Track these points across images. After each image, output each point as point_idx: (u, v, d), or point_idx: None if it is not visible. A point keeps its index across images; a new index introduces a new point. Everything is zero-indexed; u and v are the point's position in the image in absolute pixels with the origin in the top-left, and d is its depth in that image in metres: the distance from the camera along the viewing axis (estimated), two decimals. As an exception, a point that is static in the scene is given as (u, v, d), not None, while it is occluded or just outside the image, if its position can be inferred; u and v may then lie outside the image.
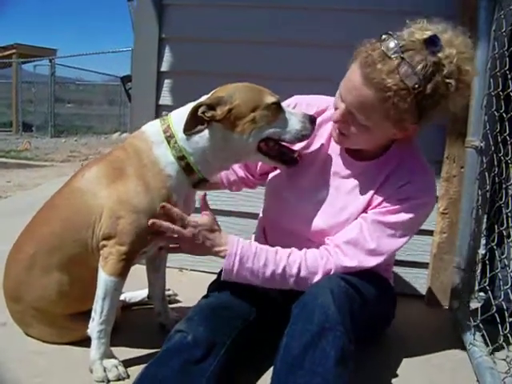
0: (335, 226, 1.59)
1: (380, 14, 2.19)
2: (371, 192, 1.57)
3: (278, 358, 1.32)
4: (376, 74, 1.36)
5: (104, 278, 1.51)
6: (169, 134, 1.54)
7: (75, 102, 18.69)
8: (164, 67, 2.44)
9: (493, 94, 2.03)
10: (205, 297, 1.62)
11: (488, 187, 2.05)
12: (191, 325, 1.44)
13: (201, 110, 1.48)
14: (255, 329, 1.57)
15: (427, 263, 2.36)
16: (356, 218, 1.57)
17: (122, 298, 1.95)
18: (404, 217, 1.52)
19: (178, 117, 1.55)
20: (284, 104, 1.58)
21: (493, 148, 2.01)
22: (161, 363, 1.35)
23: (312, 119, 1.55)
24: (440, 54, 1.35)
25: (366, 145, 1.57)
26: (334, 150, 1.65)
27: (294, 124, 1.53)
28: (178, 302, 2.15)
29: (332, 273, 1.51)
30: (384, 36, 1.39)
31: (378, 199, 1.56)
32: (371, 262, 1.52)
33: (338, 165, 1.64)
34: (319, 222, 1.61)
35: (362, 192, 1.59)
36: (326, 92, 1.71)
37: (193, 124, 1.49)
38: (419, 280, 2.39)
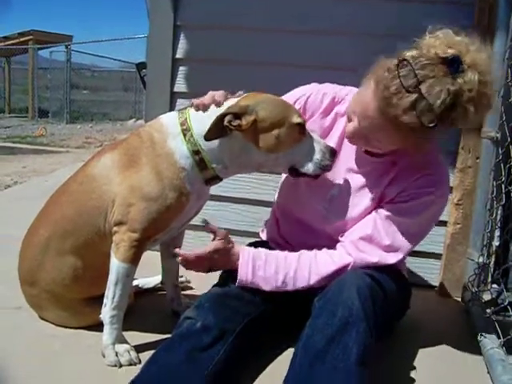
0: (348, 220, 1.58)
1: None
2: (384, 186, 1.56)
3: (299, 349, 1.32)
4: (392, 109, 1.30)
5: (116, 264, 1.53)
6: (185, 127, 1.53)
7: (91, 89, 18.85)
8: (179, 54, 2.41)
9: (510, 84, 2.00)
10: (216, 285, 1.62)
11: (503, 178, 2.03)
12: (201, 312, 1.44)
13: (227, 119, 1.44)
14: (267, 318, 1.57)
15: (440, 254, 2.34)
16: (369, 213, 1.56)
17: (135, 283, 1.96)
18: (419, 211, 1.50)
19: (197, 114, 1.55)
20: (309, 129, 1.53)
21: (509, 139, 1.99)
22: (168, 349, 1.36)
23: (332, 152, 1.52)
24: (460, 80, 1.26)
25: (381, 150, 1.53)
26: (349, 144, 1.61)
27: (317, 153, 1.50)
28: (190, 288, 2.15)
29: (349, 268, 1.50)
30: (403, 61, 1.29)
31: (391, 193, 1.54)
32: (391, 258, 1.52)
33: (352, 160, 1.63)
34: (331, 216, 1.61)
35: (376, 187, 1.57)
36: (348, 82, 1.68)
37: (217, 132, 1.46)
38: (432, 271, 2.37)
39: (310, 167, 1.50)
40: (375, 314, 1.36)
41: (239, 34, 2.36)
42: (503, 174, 2.03)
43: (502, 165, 2.04)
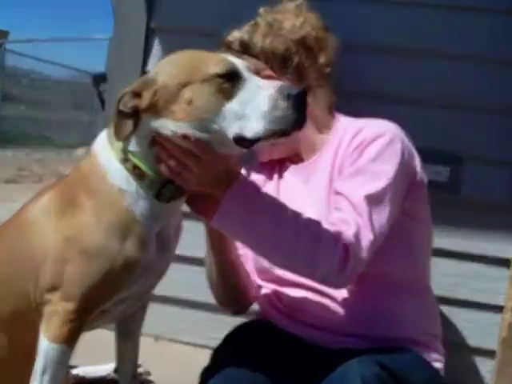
0: None
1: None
2: (329, 173, 1.84)
3: None
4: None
5: (45, 346, 1.49)
6: (114, 137, 1.51)
7: (29, 103, 17.61)
8: (152, 64, 2.47)
9: None
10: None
11: None
12: None
13: (122, 101, 1.44)
14: None
15: (493, 351, 2.34)
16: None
17: (74, 372, 1.94)
18: (371, 158, 1.71)
19: None
20: (247, 72, 1.46)
21: None
22: None
23: (291, 92, 1.38)
24: None
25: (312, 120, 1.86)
26: (278, 176, 1.99)
27: (263, 102, 1.38)
28: (150, 382, 2.15)
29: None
30: None
31: (337, 171, 1.81)
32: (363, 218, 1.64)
33: (294, 178, 1.96)
34: None
35: (323, 180, 1.85)
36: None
37: (121, 123, 1.46)
38: (481, 372, 2.37)
39: (258, 126, 1.38)
40: None
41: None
42: None
43: None
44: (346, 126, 1.90)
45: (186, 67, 1.45)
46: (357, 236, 1.59)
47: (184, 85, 1.41)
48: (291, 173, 1.98)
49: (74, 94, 17.13)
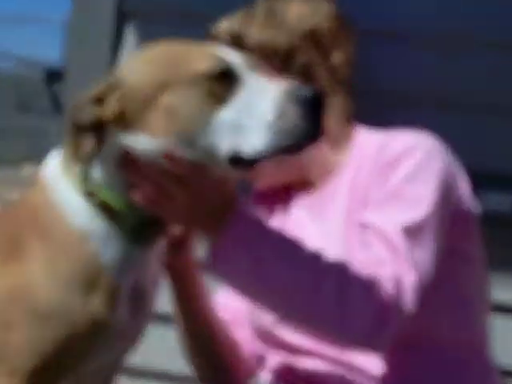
0: None
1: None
2: (348, 202, 1.68)
3: None
4: None
5: None
6: (69, 163, 1.40)
7: None
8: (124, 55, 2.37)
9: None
10: None
11: None
12: None
13: (80, 111, 1.30)
14: None
15: None
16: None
17: None
18: (404, 180, 1.56)
19: None
20: (245, 69, 1.33)
21: None
22: None
23: (309, 96, 1.26)
24: None
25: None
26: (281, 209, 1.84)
27: (268, 109, 1.25)
28: None
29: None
30: None
31: (360, 199, 1.65)
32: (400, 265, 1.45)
33: (302, 211, 1.79)
34: None
35: (341, 212, 1.69)
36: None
37: (80, 141, 1.31)
38: None
39: (261, 140, 1.25)
40: None
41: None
42: None
43: None
44: (367, 140, 1.76)
45: (164, 64, 1.32)
46: (397, 281, 1.41)
47: (162, 87, 1.29)
48: (299, 204, 1.83)
49: (18, 92, 16.85)
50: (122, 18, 2.32)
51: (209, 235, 1.40)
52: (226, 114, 1.27)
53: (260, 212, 1.85)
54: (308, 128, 1.24)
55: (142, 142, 1.29)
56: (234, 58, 1.33)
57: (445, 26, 2.27)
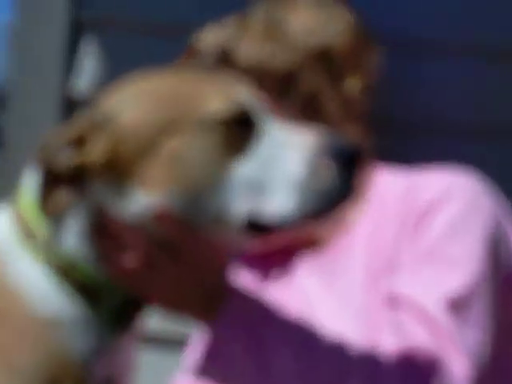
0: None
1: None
2: (367, 263, 1.53)
3: None
4: None
5: None
6: (26, 225, 1.24)
7: None
8: (83, 77, 2.17)
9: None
10: None
11: None
12: None
13: (54, 156, 1.17)
14: None
15: None
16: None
17: None
18: (440, 235, 1.42)
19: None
20: (263, 113, 1.22)
21: None
22: None
23: (347, 152, 1.19)
24: None
25: None
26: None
27: (293, 167, 1.19)
28: None
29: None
30: None
31: (382, 259, 1.51)
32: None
33: (308, 278, 1.60)
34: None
35: (358, 276, 1.54)
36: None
37: (54, 197, 1.19)
38: None
39: (288, 203, 1.18)
40: None
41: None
42: None
43: None
44: (390, 183, 1.59)
45: (168, 100, 1.19)
46: (443, 372, 1.26)
47: (167, 130, 1.16)
48: (304, 268, 1.62)
49: None
50: (76, 27, 2.14)
51: (199, 319, 1.26)
52: (245, 169, 1.17)
53: (251, 278, 1.65)
54: (343, 188, 1.17)
55: (133, 198, 1.16)
56: (249, 97, 1.21)
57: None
